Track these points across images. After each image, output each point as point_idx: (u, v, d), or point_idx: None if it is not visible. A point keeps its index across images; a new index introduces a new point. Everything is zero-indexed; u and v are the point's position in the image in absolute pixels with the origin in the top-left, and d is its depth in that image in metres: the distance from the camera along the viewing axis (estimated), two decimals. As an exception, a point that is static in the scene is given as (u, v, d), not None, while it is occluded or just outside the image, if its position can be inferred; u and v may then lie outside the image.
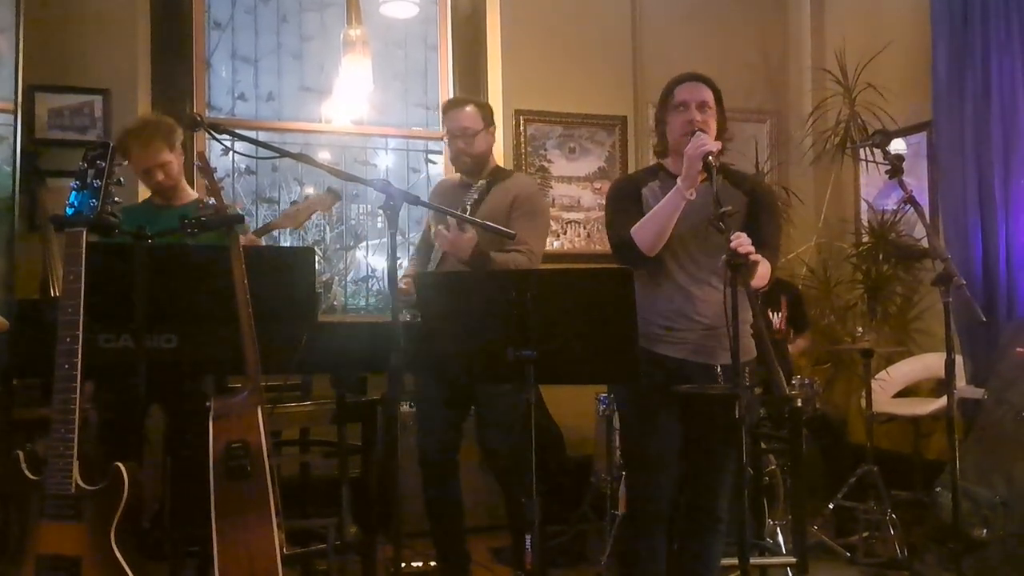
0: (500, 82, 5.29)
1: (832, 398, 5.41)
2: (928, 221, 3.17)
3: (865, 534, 4.12)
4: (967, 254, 4.49)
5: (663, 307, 2.74)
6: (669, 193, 2.67)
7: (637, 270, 2.71)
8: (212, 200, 2.74)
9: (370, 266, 5.54)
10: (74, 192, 2.47)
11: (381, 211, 2.44)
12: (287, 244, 5.10)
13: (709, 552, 2.85)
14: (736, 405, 2.30)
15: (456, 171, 3.56)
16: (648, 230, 2.68)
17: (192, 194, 3.61)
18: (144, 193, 4.46)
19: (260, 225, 3.78)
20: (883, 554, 4.06)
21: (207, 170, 2.85)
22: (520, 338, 2.30)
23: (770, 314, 4.47)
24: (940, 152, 4.74)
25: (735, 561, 2.43)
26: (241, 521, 2.46)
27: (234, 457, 2.48)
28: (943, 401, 3.87)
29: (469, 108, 3.49)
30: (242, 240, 2.98)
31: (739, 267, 2.35)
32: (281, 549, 2.48)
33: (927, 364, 4.85)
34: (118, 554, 2.30)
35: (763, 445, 4.00)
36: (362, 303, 5.48)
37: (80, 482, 2.32)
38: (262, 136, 4.96)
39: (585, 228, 5.43)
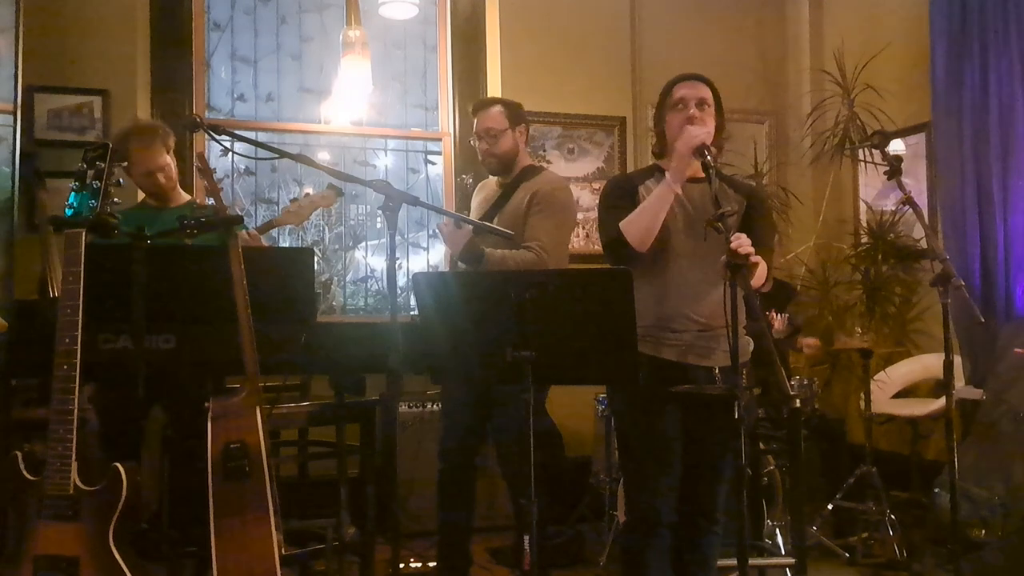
0: (499, 82, 5.29)
1: (831, 399, 5.41)
2: (927, 222, 3.17)
3: (864, 535, 4.12)
4: (965, 255, 4.50)
5: (663, 308, 2.73)
6: (658, 187, 2.67)
7: (638, 270, 2.71)
8: (211, 200, 2.74)
9: (369, 267, 5.54)
10: (73, 193, 2.47)
11: (380, 212, 2.45)
12: (286, 244, 5.11)
13: (707, 554, 2.84)
14: (735, 406, 2.30)
15: (487, 171, 3.56)
16: (637, 225, 2.67)
17: (186, 196, 3.62)
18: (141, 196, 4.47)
19: (259, 224, 3.77)
20: (882, 555, 4.06)
21: (206, 171, 2.86)
22: (519, 338, 2.30)
23: (773, 314, 4.47)
24: (938, 153, 4.74)
25: (734, 562, 2.43)
26: (239, 521, 2.46)
27: (233, 458, 2.48)
28: (942, 402, 3.88)
29: (495, 109, 3.49)
30: (244, 238, 2.99)
31: (739, 268, 2.35)
32: (279, 549, 2.48)
33: (926, 365, 4.85)
34: (116, 554, 2.30)
35: (762, 446, 4.00)
36: (361, 303, 5.48)
37: (78, 482, 2.32)
38: (261, 137, 4.96)
39: (584, 228, 5.43)
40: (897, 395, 4.92)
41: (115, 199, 2.52)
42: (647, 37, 5.61)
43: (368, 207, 5.48)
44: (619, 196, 2.83)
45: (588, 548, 4.20)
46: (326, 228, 5.47)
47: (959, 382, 4.30)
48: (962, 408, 4.25)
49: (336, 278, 5.49)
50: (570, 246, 3.57)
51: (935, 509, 3.92)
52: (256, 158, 4.78)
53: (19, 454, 2.38)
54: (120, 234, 2.63)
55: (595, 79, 5.47)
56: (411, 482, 4.10)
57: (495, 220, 3.37)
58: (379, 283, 5.45)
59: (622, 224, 2.69)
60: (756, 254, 2.44)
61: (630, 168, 5.43)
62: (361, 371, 3.24)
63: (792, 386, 3.99)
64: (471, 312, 2.45)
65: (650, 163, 2.98)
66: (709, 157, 2.56)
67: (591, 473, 4.66)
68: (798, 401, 3.84)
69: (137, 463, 2.48)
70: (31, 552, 2.30)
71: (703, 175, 2.63)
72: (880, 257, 5.13)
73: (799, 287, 5.17)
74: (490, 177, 3.61)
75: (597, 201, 4.52)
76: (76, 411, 2.33)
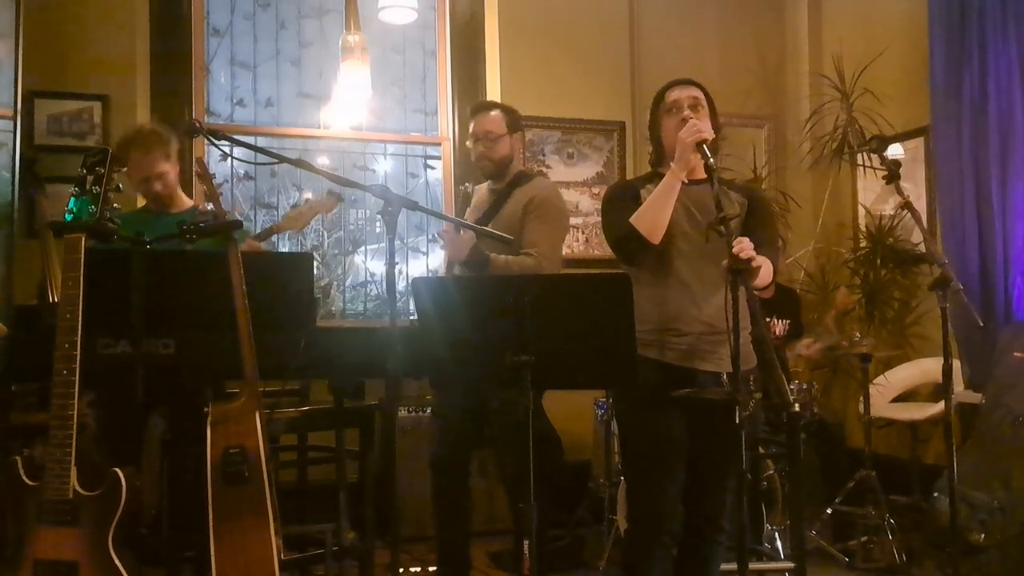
0: (498, 87, 5.30)
1: (830, 403, 5.42)
2: (925, 226, 3.18)
3: (863, 539, 4.12)
4: (964, 259, 4.50)
5: (667, 310, 2.73)
6: (665, 177, 2.68)
7: (641, 273, 2.71)
8: (211, 206, 2.75)
9: (369, 271, 5.54)
10: (73, 198, 2.47)
11: (379, 216, 2.45)
12: (285, 250, 5.11)
13: (710, 562, 2.83)
14: (736, 411, 2.30)
15: (481, 174, 3.56)
16: (647, 215, 2.67)
17: (188, 202, 3.58)
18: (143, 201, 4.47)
19: (260, 230, 3.77)
20: (881, 559, 4.06)
21: (206, 176, 2.86)
22: (518, 343, 2.30)
23: (774, 321, 4.47)
24: (937, 157, 4.75)
25: (734, 566, 2.43)
26: (239, 526, 2.46)
27: (232, 462, 2.48)
28: (941, 406, 3.87)
29: (494, 112, 3.50)
30: (243, 246, 2.98)
31: (741, 272, 2.36)
32: (279, 554, 2.48)
33: (925, 369, 4.85)
34: (116, 559, 2.30)
35: (761, 450, 4.00)
36: (360, 308, 5.48)
37: (78, 487, 2.32)
38: (261, 142, 4.96)
39: (583, 233, 5.43)
40: (896, 399, 4.92)
41: (115, 204, 2.53)
42: (646, 42, 5.61)
43: (367, 212, 5.49)
44: (623, 198, 2.83)
45: (587, 552, 4.20)
46: (325, 233, 5.48)
47: (958, 386, 4.30)
48: (961, 412, 4.26)
49: (335, 283, 5.49)
50: (570, 250, 3.59)
51: (934, 513, 3.92)
52: (255, 163, 4.78)
53: (19, 459, 2.38)
54: (120, 239, 2.64)
55: (594, 84, 5.48)
56: (410, 487, 4.09)
57: (489, 225, 3.37)
58: (378, 288, 5.45)
59: (632, 218, 2.69)
60: (759, 256, 2.45)
61: (630, 173, 5.44)
62: (360, 376, 3.25)
63: (791, 390, 3.99)
64: (471, 317, 2.45)
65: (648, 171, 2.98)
66: (711, 159, 2.57)
67: (590, 477, 4.66)
68: (797, 405, 3.84)
69: (136, 468, 2.49)
70: (31, 557, 2.30)
71: (705, 176, 2.64)
72: (879, 261, 5.13)
73: (799, 291, 5.18)
74: (482, 184, 3.62)
75: (598, 206, 4.52)
76: (75, 416, 2.33)
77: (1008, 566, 3.59)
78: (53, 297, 3.89)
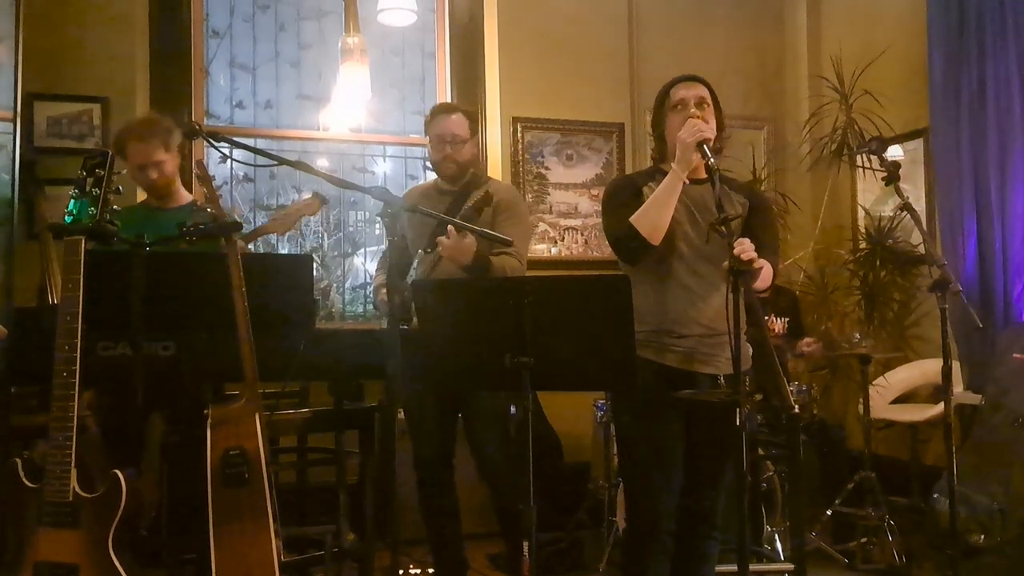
0: (497, 89, 5.30)
1: (830, 404, 5.42)
2: (925, 227, 3.18)
3: (863, 540, 4.12)
4: (964, 260, 4.50)
5: (666, 311, 2.73)
6: (667, 177, 2.67)
7: (641, 273, 2.71)
8: (209, 208, 2.75)
9: (368, 273, 5.53)
10: (72, 200, 2.47)
11: (379, 218, 2.45)
12: (285, 251, 5.11)
13: (706, 561, 2.84)
14: (736, 412, 2.30)
15: (439, 176, 3.56)
16: (648, 215, 2.66)
17: (187, 196, 3.57)
18: (143, 196, 4.47)
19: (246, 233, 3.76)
20: (881, 560, 4.06)
21: (205, 178, 2.86)
22: (517, 345, 2.30)
23: (772, 319, 4.47)
24: (936, 159, 4.75)
25: (734, 568, 2.43)
26: (239, 528, 2.46)
27: (232, 464, 2.48)
28: (940, 407, 3.87)
29: (458, 115, 3.50)
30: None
31: (742, 274, 2.36)
32: (279, 556, 2.48)
33: (924, 370, 4.85)
34: (116, 561, 2.30)
35: (761, 452, 4.01)
36: (360, 310, 5.48)
37: (78, 489, 2.32)
38: (260, 144, 4.96)
39: (583, 235, 5.44)
40: (896, 400, 4.92)
41: (114, 206, 2.53)
42: (645, 43, 5.62)
43: (367, 214, 5.49)
44: (624, 195, 2.82)
45: (587, 554, 4.20)
46: (325, 235, 5.48)
47: (957, 387, 4.30)
48: (961, 413, 4.26)
49: (335, 284, 5.49)
50: (569, 252, 3.60)
51: (934, 514, 3.92)
52: (255, 165, 4.78)
53: (19, 461, 2.38)
54: (119, 241, 2.64)
55: (593, 85, 5.48)
56: (410, 488, 4.08)
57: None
58: (378, 290, 5.45)
59: (632, 218, 2.68)
60: (759, 257, 2.45)
61: (628, 174, 5.44)
62: (360, 378, 3.25)
63: (791, 392, 3.99)
64: (470, 319, 2.45)
65: (650, 166, 2.98)
66: (712, 159, 2.56)
67: (590, 479, 4.66)
68: (797, 407, 3.84)
69: (137, 470, 2.49)
70: (31, 559, 2.30)
71: (705, 176, 2.64)
72: (878, 263, 5.13)
73: (798, 293, 5.18)
74: (415, 185, 3.62)
75: (596, 208, 4.51)
76: (75, 418, 2.33)
77: (1008, 567, 3.59)
78: (53, 299, 3.89)
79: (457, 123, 3.47)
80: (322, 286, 5.38)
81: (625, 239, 2.70)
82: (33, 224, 4.31)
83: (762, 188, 5.42)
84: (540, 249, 5.35)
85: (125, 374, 2.70)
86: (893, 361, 4.92)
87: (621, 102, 5.53)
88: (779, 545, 3.96)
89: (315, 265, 5.22)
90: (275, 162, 2.74)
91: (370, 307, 5.47)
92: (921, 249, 4.76)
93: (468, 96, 5.26)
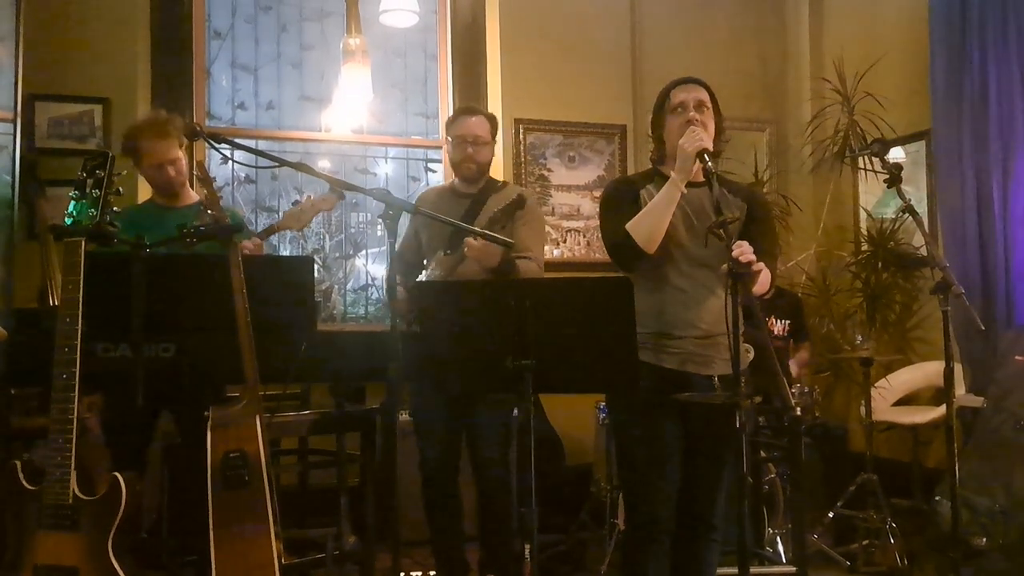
0: (500, 91, 5.30)
1: (832, 406, 5.41)
2: (927, 230, 3.16)
3: (865, 542, 4.11)
4: (966, 262, 4.49)
5: (664, 314, 2.72)
6: (665, 186, 2.67)
7: (637, 276, 2.70)
8: (210, 210, 2.74)
9: (369, 275, 5.54)
10: (73, 202, 2.47)
11: (380, 220, 2.44)
12: (286, 252, 5.11)
13: (706, 562, 2.83)
14: (736, 414, 2.29)
15: (458, 176, 3.56)
16: (644, 224, 2.66)
17: (195, 196, 3.57)
18: (144, 195, 4.46)
19: (261, 229, 3.76)
20: (882, 563, 4.05)
21: (206, 179, 2.86)
22: (519, 347, 2.30)
23: (772, 321, 4.47)
24: (938, 161, 4.74)
25: (735, 570, 2.42)
26: (239, 530, 2.46)
27: (232, 466, 2.48)
28: (942, 409, 3.87)
29: (482, 118, 3.53)
30: (247, 244, 2.98)
31: (740, 277, 2.35)
32: (279, 559, 2.48)
33: (926, 372, 4.85)
34: (115, 564, 2.29)
35: (763, 454, 4.00)
36: (361, 312, 5.48)
37: (78, 492, 2.32)
38: (262, 145, 4.94)
39: (585, 236, 5.43)
40: (898, 403, 4.92)
41: (114, 208, 2.52)
42: (647, 45, 5.62)
43: (368, 215, 5.49)
44: (622, 200, 2.81)
45: (589, 556, 4.19)
46: (326, 236, 5.48)
47: (959, 390, 4.30)
48: (963, 416, 4.24)
49: (336, 286, 5.49)
50: (572, 254, 3.62)
51: (936, 517, 3.91)
52: (256, 166, 4.78)
53: (18, 463, 2.38)
54: (120, 243, 2.64)
55: (595, 87, 5.47)
56: (411, 490, 4.08)
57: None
58: (379, 291, 5.45)
59: (628, 225, 2.67)
60: (758, 260, 2.44)
61: (630, 176, 5.43)
62: (361, 380, 3.25)
63: (793, 394, 3.99)
64: (471, 321, 2.44)
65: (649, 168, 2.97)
66: (710, 163, 2.56)
67: (592, 481, 4.65)
68: (799, 409, 3.83)
69: (139, 472, 2.48)
70: (30, 562, 2.29)
71: (703, 179, 2.63)
72: (880, 265, 5.13)
73: (800, 294, 5.18)
74: (431, 187, 3.62)
75: (598, 210, 4.51)
76: (75, 420, 2.33)
77: (1010, 570, 3.58)
78: (53, 301, 3.89)
79: (479, 124, 3.49)
80: (323, 288, 5.37)
81: (621, 247, 2.70)
82: (34, 225, 4.31)
83: (764, 190, 5.42)
84: (541, 250, 5.34)
85: (125, 376, 2.69)
86: (895, 363, 4.91)
87: (623, 103, 5.53)
88: (781, 547, 3.96)
89: (316, 267, 5.21)
90: (276, 163, 2.74)
91: (371, 309, 5.47)
92: (923, 251, 4.77)
93: (470, 98, 5.25)
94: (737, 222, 2.70)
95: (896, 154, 5.11)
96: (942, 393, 3.44)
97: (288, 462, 3.95)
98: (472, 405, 3.36)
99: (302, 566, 3.29)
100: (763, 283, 2.59)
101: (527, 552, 2.33)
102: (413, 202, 2.57)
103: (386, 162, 5.53)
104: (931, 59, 4.72)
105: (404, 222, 3.21)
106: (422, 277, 3.44)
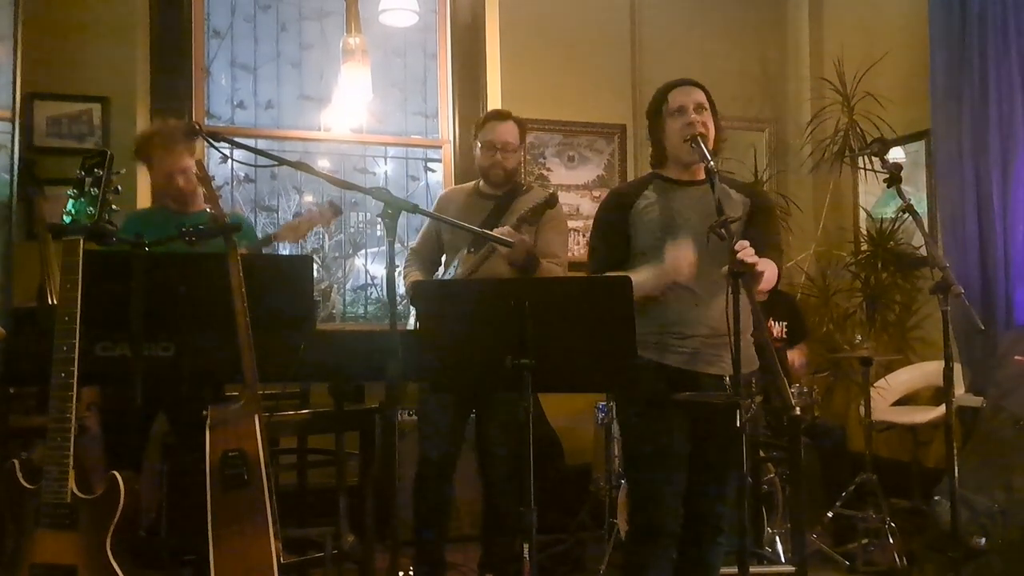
0: (499, 90, 5.30)
1: (831, 406, 5.41)
2: (926, 230, 3.16)
3: (864, 542, 4.11)
4: (965, 262, 4.49)
5: (668, 314, 2.72)
6: (655, 276, 2.63)
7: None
8: (208, 208, 2.74)
9: (369, 274, 5.54)
10: (71, 200, 2.47)
11: (380, 219, 2.44)
12: (286, 252, 5.10)
13: (709, 562, 2.82)
14: (737, 414, 2.29)
15: (487, 181, 3.56)
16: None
17: (204, 204, 3.59)
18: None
19: (260, 236, 3.76)
20: (882, 563, 4.05)
21: (205, 178, 2.86)
22: (518, 346, 2.30)
23: (770, 323, 4.47)
24: (938, 161, 4.74)
25: (735, 570, 2.42)
26: (238, 530, 2.46)
27: (231, 466, 2.47)
28: (942, 409, 3.87)
29: (512, 123, 3.56)
30: (243, 249, 2.97)
31: (742, 276, 2.35)
32: (278, 558, 2.48)
33: (926, 372, 4.84)
34: (114, 563, 2.29)
35: (762, 453, 4.00)
36: (361, 311, 5.48)
37: (76, 491, 2.32)
38: (261, 144, 4.95)
39: (584, 236, 5.43)
40: (897, 403, 4.91)
41: (113, 207, 2.52)
42: (647, 45, 5.62)
43: (368, 214, 5.49)
44: (611, 225, 2.84)
45: (588, 556, 4.19)
46: (326, 235, 5.47)
47: (959, 390, 4.30)
48: (962, 416, 4.24)
49: (336, 286, 5.49)
50: (571, 253, 3.63)
51: (935, 517, 3.90)
52: (256, 165, 4.78)
53: (16, 462, 2.38)
54: (118, 242, 2.63)
55: (595, 87, 5.48)
56: (410, 490, 4.08)
57: (494, 231, 3.38)
58: (379, 291, 5.45)
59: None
60: (764, 255, 2.43)
61: (630, 176, 5.43)
62: (360, 379, 3.24)
63: (792, 394, 3.98)
64: (471, 320, 2.44)
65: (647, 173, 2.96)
66: (712, 161, 2.55)
67: (591, 480, 4.65)
68: (798, 409, 3.83)
69: (137, 471, 2.48)
70: (28, 561, 2.29)
71: (705, 177, 2.62)
72: (880, 265, 5.13)
73: (799, 295, 5.17)
74: (454, 187, 3.63)
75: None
76: (74, 419, 2.32)
77: (1009, 570, 3.58)
78: (52, 299, 3.89)
79: (509, 130, 3.51)
80: (323, 287, 5.37)
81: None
82: (32, 224, 4.31)
83: (764, 190, 5.41)
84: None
85: (124, 375, 2.69)
86: (894, 363, 4.91)
87: (623, 103, 5.53)
88: (780, 547, 3.96)
89: (315, 266, 5.21)
90: (276, 163, 2.73)
91: (371, 308, 5.47)
92: (923, 251, 4.78)
93: (469, 97, 5.25)
94: (739, 220, 2.70)
95: (896, 154, 5.11)
96: (941, 393, 3.44)
97: (287, 461, 3.94)
98: (481, 401, 3.38)
99: (301, 565, 3.28)
100: (769, 278, 2.58)
101: (526, 552, 2.32)
102: (414, 202, 2.56)
103: (385, 161, 5.53)
104: (931, 59, 4.72)
105: (404, 222, 3.21)
106: (440, 274, 3.46)
